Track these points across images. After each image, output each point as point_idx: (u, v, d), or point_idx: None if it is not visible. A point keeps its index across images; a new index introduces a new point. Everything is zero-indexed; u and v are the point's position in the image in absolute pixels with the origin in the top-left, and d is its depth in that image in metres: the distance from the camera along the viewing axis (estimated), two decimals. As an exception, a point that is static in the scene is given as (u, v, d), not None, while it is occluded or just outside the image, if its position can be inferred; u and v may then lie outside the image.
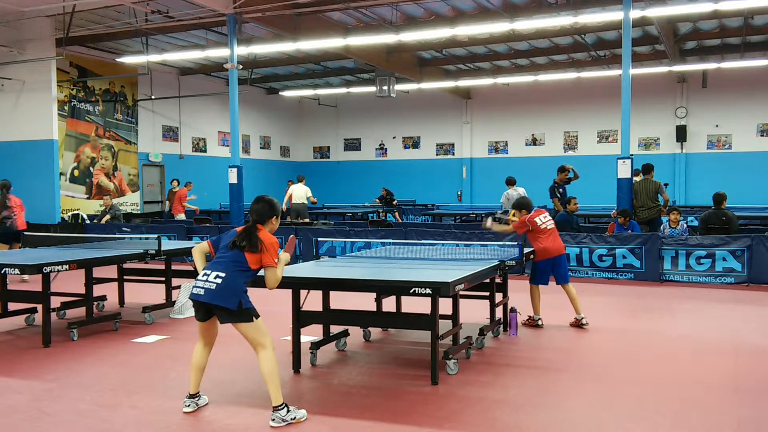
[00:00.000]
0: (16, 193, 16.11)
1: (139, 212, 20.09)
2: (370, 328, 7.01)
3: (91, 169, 19.27)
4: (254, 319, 4.51)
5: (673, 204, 19.11)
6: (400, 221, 18.86)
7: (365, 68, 21.86)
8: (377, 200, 22.90)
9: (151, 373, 5.79)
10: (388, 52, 19.35)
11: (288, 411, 4.45)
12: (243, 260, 4.50)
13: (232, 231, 4.69)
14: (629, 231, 11.49)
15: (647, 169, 12.57)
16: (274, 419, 4.42)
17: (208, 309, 4.55)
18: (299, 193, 17.29)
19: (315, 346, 5.99)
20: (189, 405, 4.72)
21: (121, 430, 4.45)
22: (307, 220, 16.62)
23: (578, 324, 7.50)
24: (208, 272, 4.51)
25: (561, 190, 13.14)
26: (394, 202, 22.49)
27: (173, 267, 8.42)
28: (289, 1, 14.15)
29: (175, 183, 18.97)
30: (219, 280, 4.44)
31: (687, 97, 22.61)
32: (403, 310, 7.22)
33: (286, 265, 4.78)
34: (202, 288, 4.48)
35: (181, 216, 17.56)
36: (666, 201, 12.37)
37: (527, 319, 7.66)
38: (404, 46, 18.89)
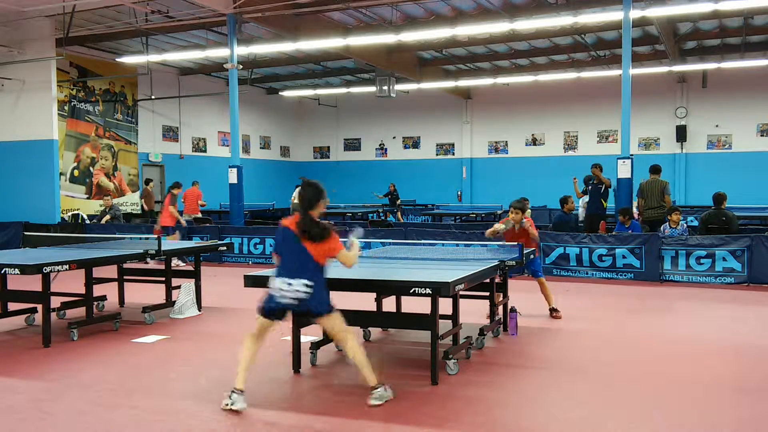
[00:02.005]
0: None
1: (139, 212, 20.08)
2: (370, 328, 7.01)
3: (91, 169, 19.27)
4: (335, 310, 4.79)
5: (673, 204, 19.17)
6: (402, 221, 18.85)
7: (365, 68, 21.86)
8: (380, 195, 22.81)
9: (151, 373, 5.79)
10: (388, 52, 19.35)
11: (384, 390, 4.81)
12: (317, 263, 4.70)
13: (282, 229, 4.83)
14: (630, 231, 11.49)
15: (656, 169, 12.59)
16: (373, 397, 4.77)
17: (286, 311, 4.77)
18: None
19: (315, 346, 5.99)
20: (239, 401, 4.68)
21: (121, 430, 4.45)
22: None
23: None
24: (292, 281, 4.65)
25: (589, 187, 13.17)
26: (398, 201, 22.46)
27: (173, 267, 8.41)
28: (289, 1, 14.15)
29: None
30: (310, 290, 4.65)
31: (687, 97, 22.62)
32: (403, 310, 7.21)
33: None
34: (295, 299, 4.65)
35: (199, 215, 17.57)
36: (668, 203, 12.35)
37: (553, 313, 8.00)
38: (404, 46, 18.89)
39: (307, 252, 4.69)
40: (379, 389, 4.80)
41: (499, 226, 8.01)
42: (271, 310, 4.77)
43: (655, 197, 12.28)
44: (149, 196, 18.44)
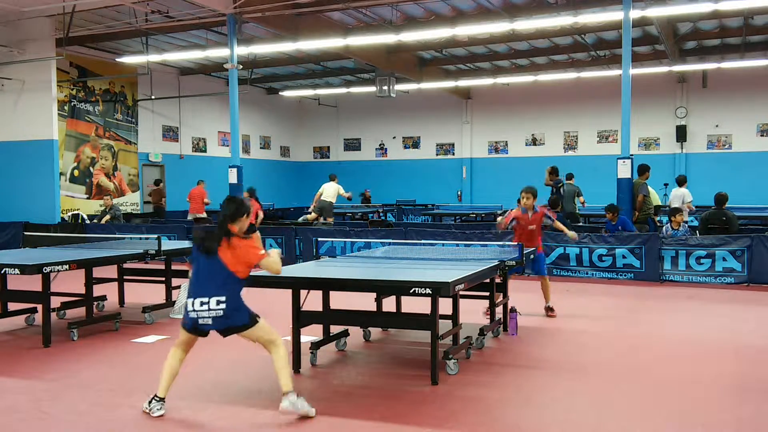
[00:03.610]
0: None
1: (139, 212, 20.09)
2: (370, 328, 7.01)
3: (91, 169, 19.27)
4: (258, 319, 4.57)
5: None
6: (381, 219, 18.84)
7: (365, 68, 21.86)
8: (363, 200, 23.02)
9: (151, 373, 5.78)
10: (388, 52, 19.35)
11: (297, 398, 4.52)
12: (232, 274, 4.48)
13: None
14: (619, 228, 11.48)
15: (640, 170, 12.62)
16: (283, 402, 4.50)
17: (207, 330, 4.60)
18: (329, 191, 16.74)
19: (315, 346, 5.99)
20: (161, 408, 4.62)
21: (121, 430, 4.45)
22: (330, 219, 16.40)
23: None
24: (206, 299, 4.45)
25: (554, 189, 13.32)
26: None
27: (173, 267, 8.42)
28: (289, 1, 14.15)
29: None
30: (223, 305, 4.45)
31: (687, 97, 22.61)
32: (403, 310, 7.22)
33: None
34: (209, 317, 4.47)
35: (203, 215, 17.56)
36: (639, 201, 12.35)
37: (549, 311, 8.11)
38: (404, 46, 18.89)
39: (221, 263, 4.47)
40: (291, 394, 4.51)
41: (501, 220, 8.11)
42: (193, 329, 4.60)
43: (635, 198, 12.37)
44: (159, 194, 18.69)
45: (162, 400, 4.65)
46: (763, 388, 5.26)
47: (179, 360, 4.72)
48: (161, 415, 4.60)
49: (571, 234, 8.71)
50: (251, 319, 4.55)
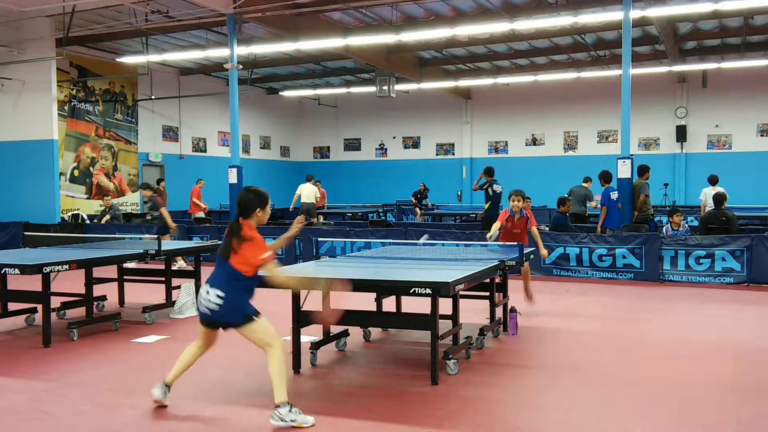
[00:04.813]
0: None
1: (138, 212, 20.08)
2: (370, 328, 7.01)
3: (91, 169, 19.27)
4: (255, 318, 4.48)
5: (673, 204, 19.11)
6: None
7: (365, 68, 21.86)
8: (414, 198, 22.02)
9: (151, 373, 5.78)
10: (388, 52, 19.35)
11: (290, 410, 4.36)
12: (236, 271, 4.47)
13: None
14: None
15: (640, 171, 12.60)
16: (273, 416, 4.38)
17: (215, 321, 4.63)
18: (307, 192, 17.23)
19: (315, 346, 5.99)
20: (157, 392, 4.73)
21: (121, 430, 4.45)
22: (314, 219, 16.59)
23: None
24: (209, 289, 4.50)
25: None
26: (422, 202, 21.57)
27: (173, 267, 8.42)
28: (289, 1, 14.15)
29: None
30: (220, 301, 4.45)
31: (687, 97, 22.61)
32: (403, 310, 7.22)
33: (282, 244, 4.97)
34: (207, 308, 4.51)
35: (200, 215, 17.51)
36: (640, 202, 12.32)
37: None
38: (404, 46, 18.89)
39: (229, 265, 4.48)
40: (282, 408, 4.34)
41: (496, 225, 8.05)
42: (201, 318, 4.64)
43: (636, 199, 12.35)
44: (162, 195, 18.63)
45: (166, 386, 4.76)
46: (763, 388, 5.26)
47: (191, 354, 4.77)
48: (157, 400, 4.72)
49: (543, 252, 8.31)
50: (244, 319, 4.46)
